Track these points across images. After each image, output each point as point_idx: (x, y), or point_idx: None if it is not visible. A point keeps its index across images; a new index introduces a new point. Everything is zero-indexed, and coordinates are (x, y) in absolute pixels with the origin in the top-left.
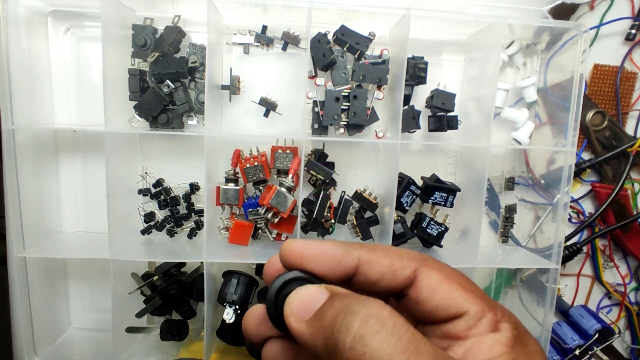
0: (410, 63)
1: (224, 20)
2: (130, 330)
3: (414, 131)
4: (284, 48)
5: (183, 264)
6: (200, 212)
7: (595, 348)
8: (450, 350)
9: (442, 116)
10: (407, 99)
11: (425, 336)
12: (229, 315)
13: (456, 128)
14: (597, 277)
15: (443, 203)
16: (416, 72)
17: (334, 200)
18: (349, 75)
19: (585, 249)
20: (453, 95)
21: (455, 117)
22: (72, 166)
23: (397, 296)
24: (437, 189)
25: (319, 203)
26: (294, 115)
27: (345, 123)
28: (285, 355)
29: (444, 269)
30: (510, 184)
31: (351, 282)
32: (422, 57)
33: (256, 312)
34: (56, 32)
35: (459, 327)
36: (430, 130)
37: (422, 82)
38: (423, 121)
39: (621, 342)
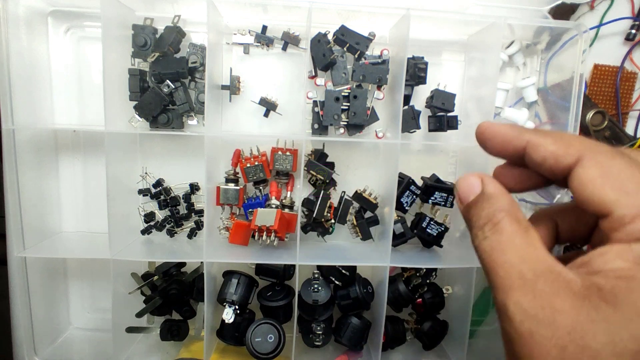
0: (410, 63)
1: (224, 20)
2: (131, 330)
3: (414, 131)
4: (284, 48)
5: (183, 264)
6: (200, 212)
7: None
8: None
9: (442, 116)
10: (407, 99)
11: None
12: (228, 315)
13: (456, 128)
14: None
15: (443, 203)
16: (416, 72)
17: (334, 200)
18: (349, 75)
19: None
20: (453, 95)
21: (455, 117)
22: (72, 166)
23: (564, 182)
24: (437, 189)
25: (319, 203)
26: (294, 115)
27: (346, 123)
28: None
29: (603, 160)
30: None
31: (525, 160)
32: (422, 58)
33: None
34: (56, 32)
35: (604, 225)
36: (430, 130)
37: (422, 82)
38: (423, 121)
39: None
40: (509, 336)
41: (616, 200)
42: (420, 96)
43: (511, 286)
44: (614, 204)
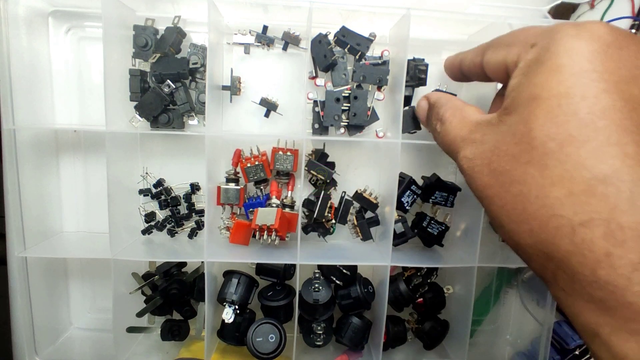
0: (411, 65)
1: (225, 20)
2: (131, 330)
3: (415, 132)
4: (285, 48)
5: (184, 264)
6: (200, 212)
7: None
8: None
9: None
10: (407, 99)
11: None
12: (228, 315)
13: None
14: None
15: (444, 202)
16: (417, 73)
17: (335, 201)
18: (349, 76)
19: None
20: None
21: None
22: (72, 166)
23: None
24: (437, 189)
25: (319, 203)
26: (295, 115)
27: (346, 124)
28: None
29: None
30: None
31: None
32: (423, 59)
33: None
34: (57, 32)
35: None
36: None
37: (423, 84)
38: None
39: None
40: (468, 182)
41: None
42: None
43: (457, 149)
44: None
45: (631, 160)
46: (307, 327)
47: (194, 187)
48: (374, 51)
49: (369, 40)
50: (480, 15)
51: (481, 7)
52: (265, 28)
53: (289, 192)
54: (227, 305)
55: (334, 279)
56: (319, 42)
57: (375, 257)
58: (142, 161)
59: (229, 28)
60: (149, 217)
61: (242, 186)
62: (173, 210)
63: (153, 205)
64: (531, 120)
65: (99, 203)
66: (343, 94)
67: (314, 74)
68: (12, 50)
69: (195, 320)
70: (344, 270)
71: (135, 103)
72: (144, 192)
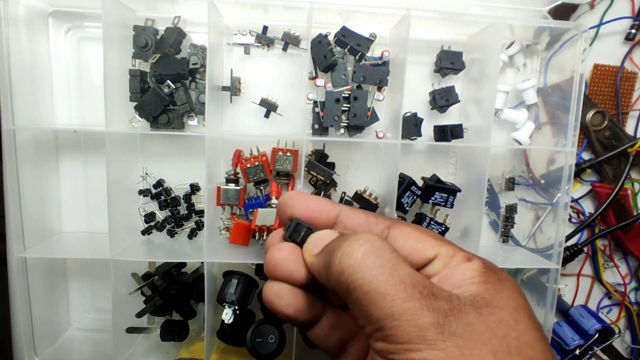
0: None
1: (225, 20)
2: (131, 330)
3: (415, 138)
4: (285, 48)
5: (183, 264)
6: (200, 213)
7: (595, 348)
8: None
9: (446, 126)
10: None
11: None
12: (227, 315)
13: (461, 137)
14: (597, 277)
15: (443, 203)
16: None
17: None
18: (349, 76)
19: (585, 249)
20: (460, 53)
21: (460, 125)
22: (72, 166)
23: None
24: (437, 190)
25: None
26: (295, 116)
27: (346, 124)
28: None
29: (413, 226)
30: (511, 184)
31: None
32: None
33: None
34: (57, 32)
35: (436, 267)
36: (436, 141)
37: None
38: (425, 127)
39: (621, 342)
40: None
41: (439, 244)
42: (423, 98)
43: None
44: (439, 246)
45: None
46: None
47: (194, 188)
48: (374, 52)
49: (369, 41)
50: (480, 15)
51: (481, 8)
52: (265, 28)
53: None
54: (226, 306)
55: None
56: (319, 43)
57: None
58: (142, 161)
59: (229, 28)
60: (149, 217)
61: (241, 187)
62: (173, 210)
63: (153, 206)
64: None
65: (98, 203)
66: (343, 95)
67: (314, 75)
68: (12, 50)
69: (195, 320)
70: None
71: (135, 103)
72: (143, 192)
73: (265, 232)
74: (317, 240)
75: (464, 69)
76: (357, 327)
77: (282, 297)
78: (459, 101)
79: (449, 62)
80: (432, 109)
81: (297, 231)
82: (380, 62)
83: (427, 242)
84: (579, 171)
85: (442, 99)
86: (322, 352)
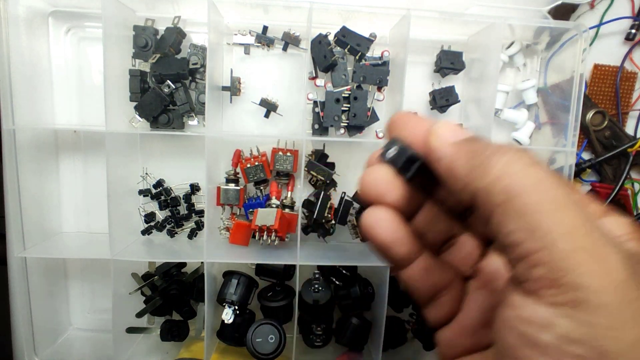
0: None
1: (225, 20)
2: (131, 330)
3: None
4: (285, 48)
5: (183, 264)
6: (200, 213)
7: None
8: None
9: None
10: None
11: None
12: (227, 315)
13: None
14: None
15: None
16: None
17: (334, 201)
18: (349, 76)
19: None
20: (460, 53)
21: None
22: (72, 166)
23: None
24: None
25: (319, 204)
26: (295, 116)
27: (346, 124)
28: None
29: None
30: None
31: None
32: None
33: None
34: (57, 32)
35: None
36: None
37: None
38: None
39: None
40: None
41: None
42: (423, 98)
43: None
44: None
45: None
46: (306, 327)
47: (194, 188)
48: (374, 52)
49: (369, 41)
50: (480, 15)
51: (481, 8)
52: (265, 28)
53: (289, 193)
54: (226, 306)
55: (334, 279)
56: (319, 43)
57: (375, 258)
58: (142, 161)
59: (229, 28)
60: (149, 217)
61: (242, 187)
62: (173, 210)
63: (153, 206)
64: None
65: (98, 203)
66: (343, 95)
67: (314, 75)
68: (12, 50)
69: (195, 320)
70: (344, 271)
71: (135, 103)
72: (143, 192)
73: (265, 232)
74: (452, 129)
75: (464, 69)
76: (451, 276)
77: (383, 224)
78: (459, 101)
79: (449, 62)
80: (432, 109)
81: (401, 156)
82: (380, 62)
83: None
84: (579, 171)
85: (442, 99)
86: (413, 297)
